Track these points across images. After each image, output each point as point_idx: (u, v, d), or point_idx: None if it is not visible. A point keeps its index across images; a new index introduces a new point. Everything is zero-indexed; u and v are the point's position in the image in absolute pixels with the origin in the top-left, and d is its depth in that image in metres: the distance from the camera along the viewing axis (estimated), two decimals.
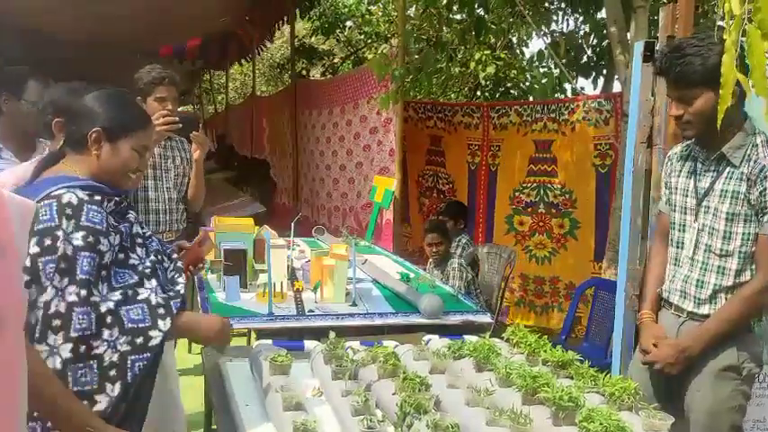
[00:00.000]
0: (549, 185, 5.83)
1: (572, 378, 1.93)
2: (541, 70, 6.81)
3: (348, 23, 12.01)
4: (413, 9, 7.95)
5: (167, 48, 9.88)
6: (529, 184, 5.97)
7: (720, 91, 1.51)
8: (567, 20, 7.23)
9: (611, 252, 4.72)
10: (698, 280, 2.22)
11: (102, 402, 1.60)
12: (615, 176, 5.24)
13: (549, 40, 6.77)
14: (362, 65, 8.72)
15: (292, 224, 3.69)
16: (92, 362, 1.59)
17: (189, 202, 3.66)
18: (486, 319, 2.87)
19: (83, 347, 1.58)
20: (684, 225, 2.29)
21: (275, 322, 2.64)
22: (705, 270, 2.21)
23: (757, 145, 2.12)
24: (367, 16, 11.60)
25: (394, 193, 5.50)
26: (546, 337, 2.18)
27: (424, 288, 3.14)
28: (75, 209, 1.64)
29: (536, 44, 18.90)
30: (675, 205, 2.33)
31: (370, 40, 12.27)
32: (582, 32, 6.97)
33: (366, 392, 1.76)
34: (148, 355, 1.66)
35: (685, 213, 2.29)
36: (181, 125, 3.30)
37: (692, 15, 2.65)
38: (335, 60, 13.51)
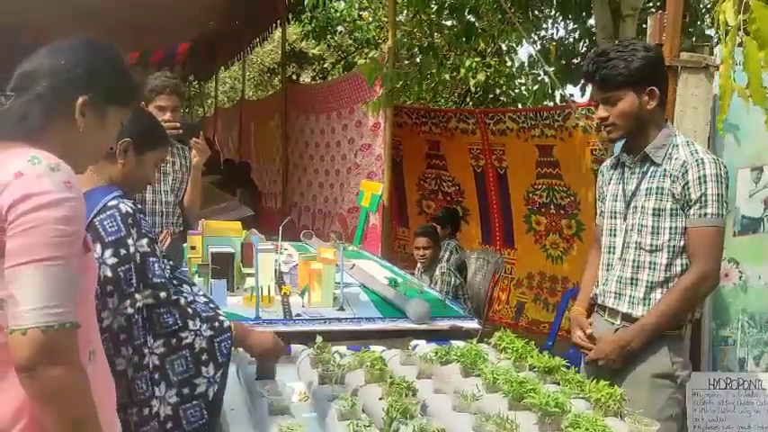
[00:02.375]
0: (556, 187, 5.92)
1: (558, 384, 1.94)
2: (531, 77, 6.85)
3: (339, 28, 12.00)
4: (403, 14, 7.98)
5: (133, 54, 9.86)
6: (540, 186, 6.05)
7: (719, 102, 1.52)
8: (557, 27, 7.27)
9: None
10: (631, 278, 2.27)
11: (201, 385, 1.71)
12: None
13: (538, 47, 6.80)
14: (353, 70, 8.73)
15: (280, 228, 3.68)
16: (184, 351, 1.70)
17: (185, 209, 3.65)
18: (473, 324, 2.87)
19: (173, 341, 1.69)
20: (615, 229, 2.36)
21: (262, 326, 2.62)
22: (637, 267, 2.26)
23: (678, 145, 2.21)
24: (358, 22, 11.61)
25: (381, 197, 5.49)
26: (533, 342, 2.19)
27: (412, 293, 3.13)
28: (133, 218, 1.72)
29: (525, 51, 18.98)
30: (606, 212, 2.41)
31: (360, 46, 12.28)
32: (571, 39, 7.01)
33: (353, 397, 1.75)
34: (229, 334, 1.77)
35: (615, 218, 2.36)
36: (181, 131, 3.31)
37: (679, 23, 2.68)
38: (326, 65, 13.51)
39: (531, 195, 6.14)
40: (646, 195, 2.23)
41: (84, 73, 1.36)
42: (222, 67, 13.95)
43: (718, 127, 2.00)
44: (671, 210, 2.18)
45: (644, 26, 5.35)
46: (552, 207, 5.98)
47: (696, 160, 2.14)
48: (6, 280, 1.16)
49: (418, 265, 4.70)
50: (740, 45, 1.81)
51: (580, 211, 5.72)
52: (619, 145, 2.78)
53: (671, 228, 2.19)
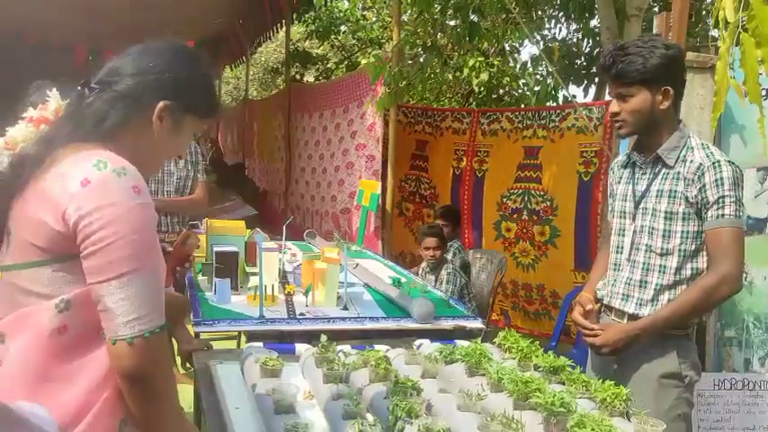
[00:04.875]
0: (532, 192, 5.80)
1: (563, 384, 1.93)
2: (535, 77, 6.84)
3: (342, 28, 12.02)
4: (407, 14, 7.98)
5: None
6: (516, 191, 5.93)
7: (714, 98, 1.51)
8: (561, 27, 7.27)
9: None
10: (640, 281, 2.24)
11: None
12: (598, 184, 5.23)
13: (542, 47, 6.80)
14: (356, 69, 8.73)
15: (284, 227, 3.68)
16: None
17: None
18: (477, 324, 2.86)
19: None
20: (623, 229, 2.33)
21: (266, 325, 2.62)
22: (647, 270, 2.23)
23: (692, 147, 2.17)
24: (361, 21, 11.63)
25: (380, 196, 5.48)
26: (538, 342, 2.18)
27: (416, 293, 3.13)
28: None
29: (529, 51, 18.95)
30: (615, 211, 2.38)
31: (364, 46, 12.30)
32: (575, 39, 7.01)
33: (357, 396, 1.75)
34: None
35: (624, 218, 2.33)
36: None
37: (685, 23, 2.68)
38: (329, 65, 13.53)
39: (505, 200, 6.01)
40: (657, 197, 2.20)
41: (170, 78, 1.37)
42: (228, 67, 13.97)
43: (712, 125, 1.99)
44: (683, 213, 2.15)
45: (649, 27, 5.36)
46: (525, 213, 5.85)
47: (713, 163, 2.10)
48: (97, 294, 1.20)
49: (423, 264, 4.69)
50: (737, 44, 1.80)
51: (557, 216, 5.61)
52: (624, 143, 2.78)
53: (682, 231, 2.16)
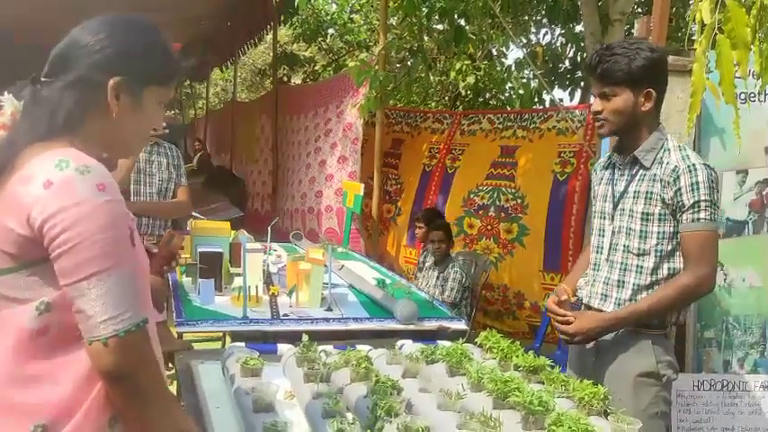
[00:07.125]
0: (503, 189, 5.73)
1: (543, 383, 1.95)
2: (521, 81, 6.88)
3: (330, 31, 12.03)
4: (394, 18, 8.01)
5: None
6: (485, 187, 5.86)
7: (690, 99, 1.54)
8: (546, 32, 7.32)
9: None
10: (618, 281, 2.27)
11: None
12: (575, 185, 5.23)
13: (527, 51, 6.84)
14: (341, 71, 8.74)
15: (269, 228, 3.68)
16: None
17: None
18: (460, 325, 2.88)
19: None
20: (603, 230, 2.36)
21: (249, 326, 2.63)
22: (624, 270, 2.26)
23: (669, 149, 2.20)
24: (349, 24, 11.64)
25: (363, 198, 5.48)
26: (519, 342, 2.20)
27: (400, 294, 3.14)
28: None
29: (514, 55, 19.04)
30: (596, 212, 2.41)
31: (351, 49, 12.32)
32: (559, 43, 7.06)
33: (338, 395, 1.75)
34: None
35: (604, 218, 2.36)
36: (167, 131, 3.32)
37: (665, 26, 2.71)
38: (317, 68, 13.52)
39: (472, 196, 5.93)
40: (634, 198, 2.23)
41: (115, 52, 1.29)
42: (217, 69, 13.93)
43: (689, 125, 2.02)
44: (659, 214, 2.18)
45: (632, 31, 5.42)
46: (492, 209, 5.75)
47: (688, 166, 2.13)
48: (70, 295, 1.18)
49: (429, 257, 4.71)
50: (714, 46, 1.83)
51: (526, 214, 5.55)
52: (606, 143, 2.81)
53: (659, 232, 2.19)
